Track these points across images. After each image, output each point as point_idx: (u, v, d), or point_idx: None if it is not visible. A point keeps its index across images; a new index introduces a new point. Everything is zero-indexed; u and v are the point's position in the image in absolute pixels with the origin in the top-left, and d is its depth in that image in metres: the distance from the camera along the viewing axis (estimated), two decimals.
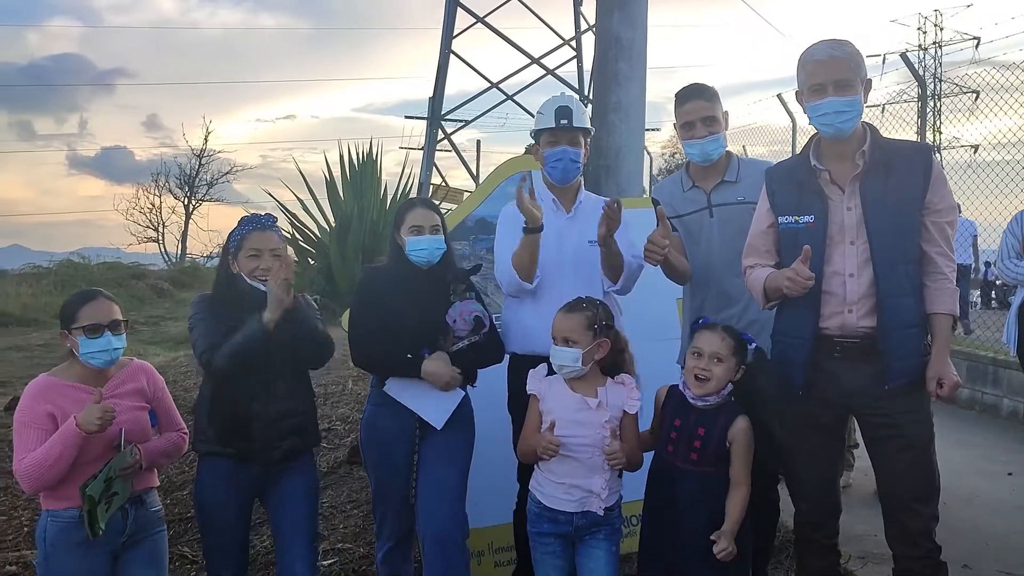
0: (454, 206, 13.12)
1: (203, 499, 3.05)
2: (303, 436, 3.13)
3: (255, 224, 3.08)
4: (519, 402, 3.28)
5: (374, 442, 3.22)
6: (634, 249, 3.25)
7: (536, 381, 2.96)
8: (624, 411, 2.87)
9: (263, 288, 2.94)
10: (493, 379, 3.40)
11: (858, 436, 3.68)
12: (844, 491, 4.83)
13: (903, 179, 2.70)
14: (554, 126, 3.30)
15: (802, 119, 10.13)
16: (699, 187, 3.33)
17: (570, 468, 2.85)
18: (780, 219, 2.85)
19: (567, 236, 3.32)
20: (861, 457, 3.01)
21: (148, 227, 35.80)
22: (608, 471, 2.84)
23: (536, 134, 3.41)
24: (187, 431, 3.11)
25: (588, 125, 3.38)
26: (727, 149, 3.31)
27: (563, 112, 3.31)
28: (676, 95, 3.27)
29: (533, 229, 3.14)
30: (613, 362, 2.92)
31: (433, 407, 3.13)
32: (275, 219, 3.20)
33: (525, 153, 4.26)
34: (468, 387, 3.27)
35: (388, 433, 3.18)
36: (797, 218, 2.79)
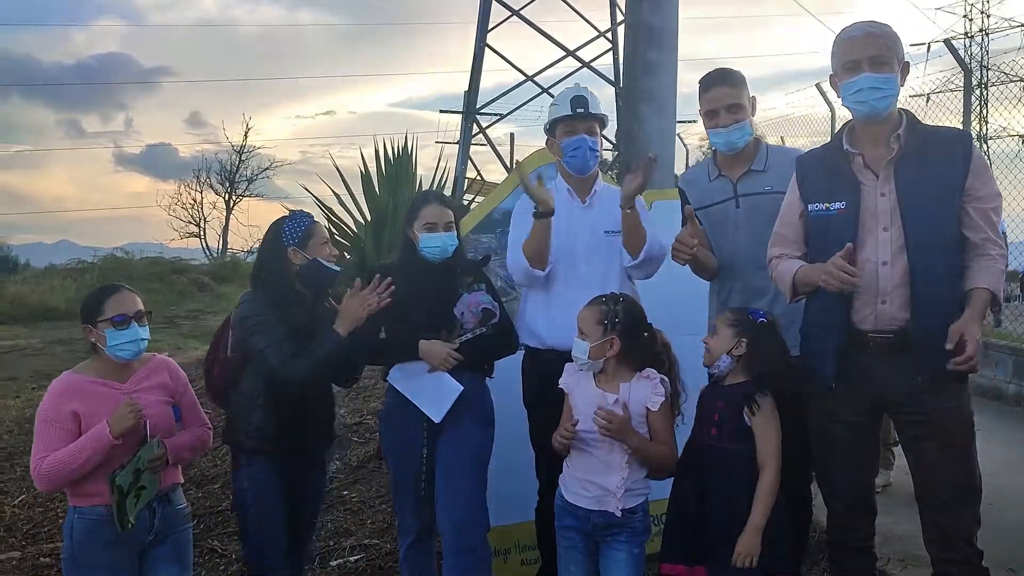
0: (481, 198, 13.09)
1: (251, 497, 3.07)
2: (332, 437, 3.34)
3: (311, 217, 3.23)
4: (533, 397, 3.26)
5: (389, 435, 3.27)
6: (660, 237, 3.19)
7: (568, 375, 2.93)
8: (647, 408, 2.79)
9: (337, 269, 3.14)
10: (518, 375, 3.36)
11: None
12: (884, 491, 4.72)
13: (941, 164, 2.57)
14: (571, 114, 3.27)
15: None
16: (725, 176, 3.23)
17: (588, 463, 2.80)
18: (810, 206, 2.74)
19: (581, 226, 3.29)
20: (902, 455, 2.89)
21: (190, 222, 36.34)
22: (626, 470, 2.76)
23: (551, 125, 3.37)
24: (211, 426, 3.11)
25: (603, 113, 3.36)
26: (755, 136, 3.21)
27: (579, 101, 3.28)
28: (700, 81, 3.18)
29: (543, 213, 3.11)
30: (652, 362, 2.84)
31: (432, 399, 3.10)
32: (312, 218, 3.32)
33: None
34: (486, 379, 3.26)
35: (401, 426, 3.18)
36: (828, 204, 2.67)
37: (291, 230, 3.17)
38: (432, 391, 3.11)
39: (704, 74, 3.17)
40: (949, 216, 2.56)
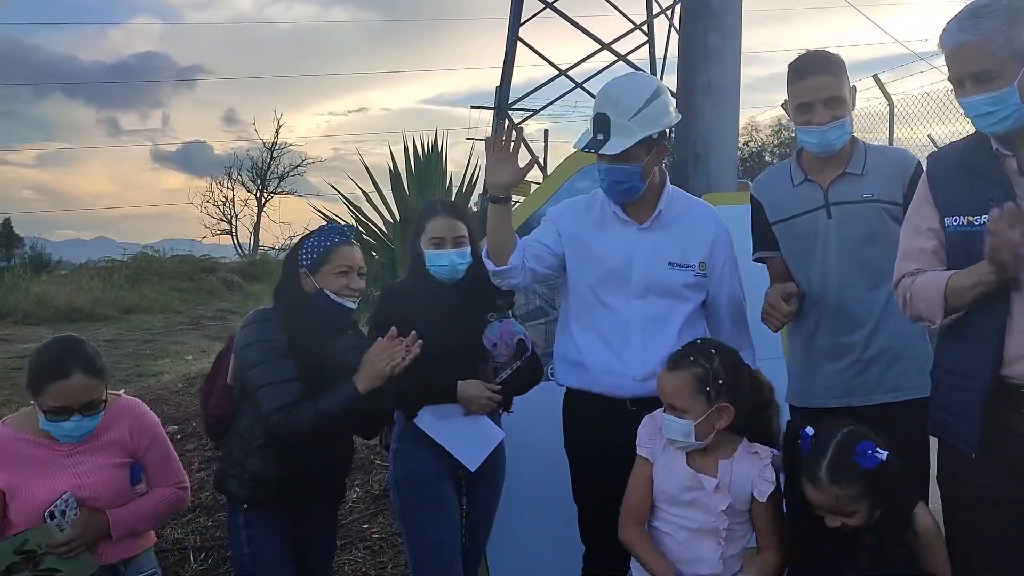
0: (521, 198, 12.67)
1: (251, 564, 2.60)
2: (343, 491, 2.92)
3: (342, 236, 2.68)
4: (577, 446, 2.77)
5: (414, 491, 2.80)
6: (737, 282, 2.76)
7: (648, 436, 2.37)
8: (752, 495, 2.23)
9: (351, 307, 2.65)
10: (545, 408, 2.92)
11: None
12: None
13: None
14: (583, 148, 2.60)
15: (904, 103, 9.29)
16: (813, 181, 2.65)
17: (670, 551, 2.27)
18: (947, 220, 2.14)
19: (637, 253, 2.66)
20: None
21: (221, 219, 36.43)
22: (721, 564, 2.23)
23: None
24: (186, 483, 2.63)
25: (633, 138, 2.53)
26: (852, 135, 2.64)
27: (599, 124, 2.57)
28: (791, 67, 2.60)
29: (495, 198, 2.56)
30: (754, 421, 2.29)
31: (468, 445, 2.76)
32: (355, 230, 2.84)
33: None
34: (504, 414, 2.93)
35: (433, 477, 2.77)
36: (971, 219, 2.06)
37: (309, 248, 2.68)
38: (468, 437, 2.78)
39: (795, 58, 2.61)
40: None
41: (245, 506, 2.60)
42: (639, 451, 2.37)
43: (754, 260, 2.82)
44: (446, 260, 2.79)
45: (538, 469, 3.15)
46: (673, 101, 2.72)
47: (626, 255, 2.66)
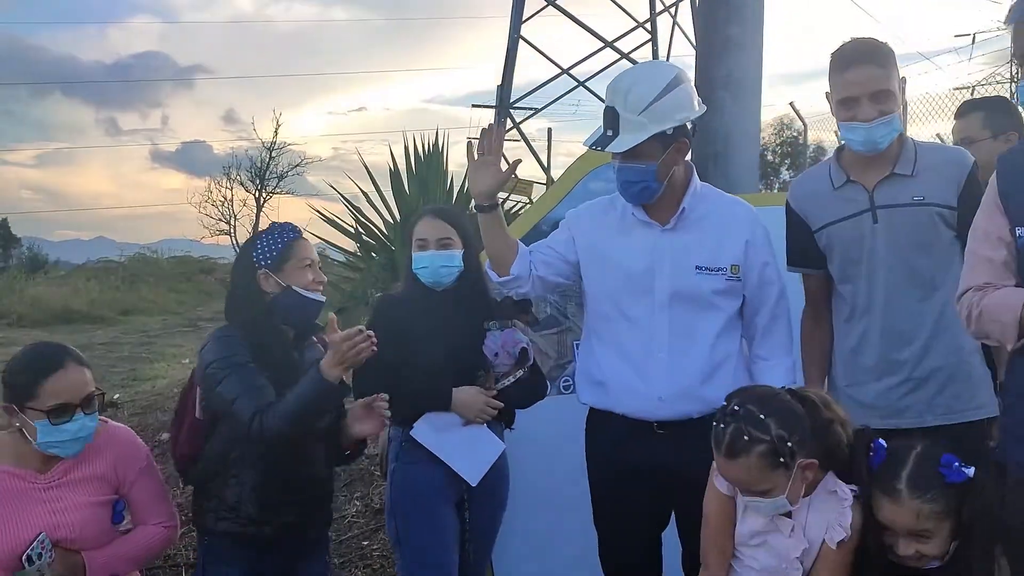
0: (524, 199, 12.45)
1: None
2: (329, 518, 2.69)
3: (295, 232, 2.54)
4: (601, 470, 2.54)
5: (414, 506, 2.62)
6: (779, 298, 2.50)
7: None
8: (824, 540, 1.97)
9: (322, 300, 2.54)
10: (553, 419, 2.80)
11: None
12: None
13: None
14: (592, 143, 2.38)
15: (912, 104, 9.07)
16: (857, 182, 2.41)
17: None
18: (1019, 230, 1.92)
19: (660, 257, 2.41)
20: None
21: (220, 220, 36.22)
22: None
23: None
24: (175, 522, 2.41)
25: (643, 134, 2.30)
26: (900, 132, 2.40)
27: (609, 119, 2.34)
28: (834, 56, 2.36)
29: (480, 207, 2.41)
30: (829, 447, 2.00)
31: (469, 458, 2.63)
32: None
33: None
34: (507, 429, 2.78)
35: (432, 493, 2.62)
36: None
37: (266, 247, 2.51)
38: (468, 449, 2.64)
39: (839, 46, 2.37)
40: None
41: (221, 542, 2.40)
42: (718, 486, 2.08)
43: (788, 270, 2.61)
44: (427, 261, 2.63)
45: (546, 479, 3.03)
46: (695, 92, 2.47)
47: (647, 260, 2.43)
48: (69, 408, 2.09)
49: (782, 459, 1.86)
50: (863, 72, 2.29)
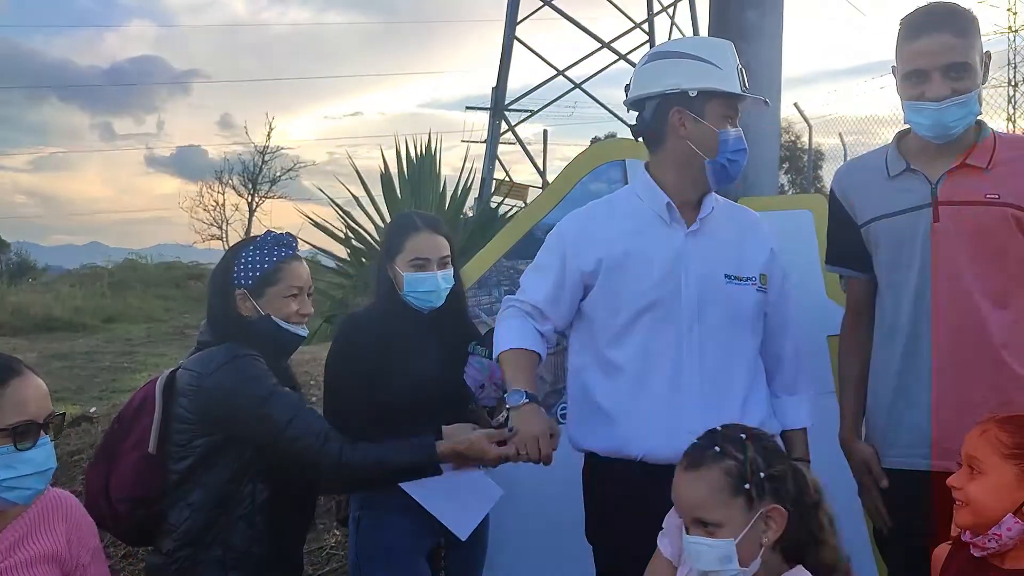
0: (520, 203, 12.12)
1: None
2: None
3: (288, 249, 2.17)
4: (603, 527, 2.15)
5: (382, 560, 2.24)
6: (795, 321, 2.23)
7: (672, 531, 1.76)
8: None
9: (303, 334, 2.21)
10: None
11: None
12: None
13: None
14: (740, 92, 2.08)
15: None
16: (918, 172, 2.04)
17: None
18: None
19: (687, 263, 2.07)
20: None
21: (212, 224, 35.83)
22: None
23: (700, 95, 2.04)
24: None
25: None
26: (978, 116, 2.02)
27: (744, 73, 2.11)
28: (903, 22, 2.00)
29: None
30: (803, 533, 1.65)
31: (460, 509, 2.24)
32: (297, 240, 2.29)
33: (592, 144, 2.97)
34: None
35: (404, 553, 2.25)
36: None
37: (249, 263, 2.14)
38: (460, 498, 2.24)
39: (911, 12, 1.99)
40: None
41: None
42: (660, 542, 1.79)
43: (827, 269, 2.33)
44: (431, 285, 2.27)
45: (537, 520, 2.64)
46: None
47: (671, 268, 2.06)
48: (33, 429, 1.66)
49: (747, 486, 1.56)
50: (936, 41, 1.93)
